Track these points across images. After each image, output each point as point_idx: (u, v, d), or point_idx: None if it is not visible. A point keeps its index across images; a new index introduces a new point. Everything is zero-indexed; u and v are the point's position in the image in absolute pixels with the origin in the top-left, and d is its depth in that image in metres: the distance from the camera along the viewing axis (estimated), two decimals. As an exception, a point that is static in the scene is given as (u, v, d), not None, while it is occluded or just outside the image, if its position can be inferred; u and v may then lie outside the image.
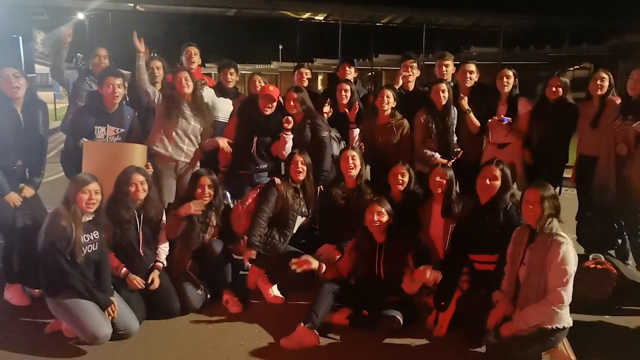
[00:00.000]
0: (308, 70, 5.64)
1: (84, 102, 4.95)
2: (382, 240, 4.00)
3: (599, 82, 4.74)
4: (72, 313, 3.48)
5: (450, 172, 4.28)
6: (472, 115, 4.97)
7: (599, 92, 4.73)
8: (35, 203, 4.34)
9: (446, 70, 5.31)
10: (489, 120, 4.91)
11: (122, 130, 4.49)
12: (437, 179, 4.24)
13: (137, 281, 3.91)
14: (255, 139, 4.95)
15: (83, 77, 5.25)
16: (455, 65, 5.46)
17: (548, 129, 4.81)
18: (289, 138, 4.89)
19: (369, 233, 4.03)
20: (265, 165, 5.04)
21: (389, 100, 4.98)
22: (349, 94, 5.18)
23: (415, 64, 5.41)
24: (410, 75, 5.37)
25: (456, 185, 4.43)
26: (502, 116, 4.86)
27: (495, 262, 3.68)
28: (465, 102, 4.99)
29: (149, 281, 3.97)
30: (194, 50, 5.50)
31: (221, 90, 5.51)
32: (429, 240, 4.29)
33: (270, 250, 4.39)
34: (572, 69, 24.51)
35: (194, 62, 5.38)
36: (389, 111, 5.01)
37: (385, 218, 3.95)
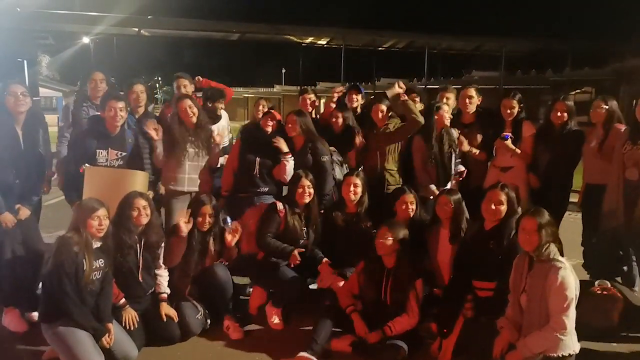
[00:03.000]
0: (312, 95, 5.66)
1: (83, 128, 4.90)
2: (392, 265, 3.95)
3: (597, 110, 4.71)
4: (66, 343, 3.41)
5: (456, 197, 4.24)
6: (474, 150, 4.99)
7: (599, 120, 4.70)
8: (29, 226, 4.29)
9: (447, 103, 5.30)
10: (495, 142, 4.90)
11: (123, 154, 4.48)
12: (443, 205, 4.21)
13: (132, 317, 3.84)
14: (258, 160, 4.94)
15: (80, 103, 5.19)
16: (457, 89, 5.46)
17: (554, 154, 4.79)
18: (290, 162, 4.88)
19: (378, 257, 3.98)
20: (267, 188, 5.01)
21: (384, 114, 5.03)
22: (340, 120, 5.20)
23: (418, 98, 5.44)
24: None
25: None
26: (504, 133, 4.85)
27: (494, 289, 3.64)
28: (465, 144, 5.00)
29: (160, 318, 3.96)
30: (185, 82, 5.56)
31: (210, 116, 5.46)
32: (435, 266, 4.24)
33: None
34: (573, 92, 24.60)
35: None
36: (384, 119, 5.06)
37: (395, 243, 3.90)
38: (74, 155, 4.49)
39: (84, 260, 3.46)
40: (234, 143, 5.34)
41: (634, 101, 4.64)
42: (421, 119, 4.89)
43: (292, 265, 4.40)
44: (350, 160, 5.22)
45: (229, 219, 4.64)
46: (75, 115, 5.09)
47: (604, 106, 4.69)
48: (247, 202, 4.94)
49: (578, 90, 25.56)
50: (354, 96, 5.62)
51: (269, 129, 4.98)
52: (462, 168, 5.00)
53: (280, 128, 5.05)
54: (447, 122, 4.93)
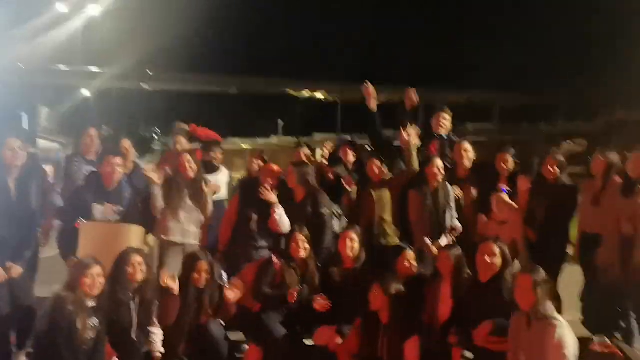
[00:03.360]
0: (306, 149, 5.72)
1: (77, 184, 4.92)
2: (387, 320, 3.91)
3: (597, 162, 4.78)
4: None
5: (456, 252, 4.25)
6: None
7: (599, 171, 4.76)
8: (20, 285, 4.22)
9: (443, 124, 5.34)
10: (493, 197, 4.93)
11: (120, 208, 4.48)
12: (444, 260, 4.22)
13: None
14: (255, 216, 4.94)
15: (71, 159, 5.21)
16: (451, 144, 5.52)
17: (549, 208, 4.82)
18: (278, 212, 4.85)
19: (374, 312, 3.94)
20: (265, 243, 4.98)
21: (378, 170, 5.10)
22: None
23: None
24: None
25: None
26: (502, 187, 4.89)
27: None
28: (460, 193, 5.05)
29: None
30: (182, 140, 5.66)
31: (208, 168, 5.56)
32: (435, 322, 4.19)
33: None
34: (566, 143, 24.92)
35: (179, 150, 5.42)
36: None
37: (387, 298, 3.88)
38: (70, 209, 4.49)
39: (77, 319, 3.41)
40: (232, 198, 5.33)
41: (625, 153, 4.72)
42: (415, 169, 4.98)
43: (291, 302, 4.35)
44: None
45: (224, 275, 4.60)
46: (66, 170, 5.13)
47: (602, 159, 4.76)
48: (245, 257, 4.90)
49: (570, 142, 25.90)
50: (348, 150, 5.68)
51: (268, 185, 4.94)
52: (457, 224, 5.00)
53: (281, 180, 5.05)
54: (439, 176, 4.96)
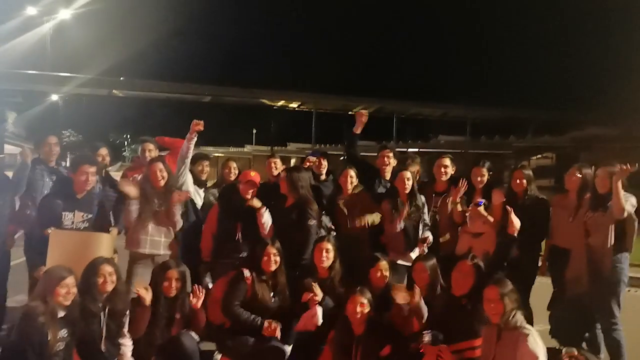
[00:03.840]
0: (277, 160, 5.70)
1: (41, 194, 4.79)
2: (361, 331, 3.89)
3: (573, 178, 4.78)
4: None
5: (431, 263, 4.28)
6: (458, 207, 5.03)
7: (573, 187, 4.78)
8: None
9: (388, 163, 5.44)
10: (469, 208, 4.98)
11: (89, 216, 4.42)
12: (420, 272, 4.24)
13: None
14: (239, 226, 4.90)
15: (34, 168, 4.98)
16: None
17: (520, 221, 4.89)
18: (264, 214, 4.84)
19: (348, 323, 3.92)
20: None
21: (352, 180, 5.10)
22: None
23: (391, 154, 5.54)
24: (387, 165, 5.45)
25: None
26: (478, 200, 4.94)
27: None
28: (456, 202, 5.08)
29: None
30: (151, 146, 5.56)
31: (195, 181, 5.51)
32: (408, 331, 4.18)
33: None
34: (535, 157, 25.48)
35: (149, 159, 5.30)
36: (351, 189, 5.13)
37: (367, 309, 3.87)
38: (39, 217, 4.39)
39: (48, 331, 3.34)
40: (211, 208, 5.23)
41: (593, 168, 4.81)
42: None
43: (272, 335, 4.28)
44: None
45: (210, 285, 4.52)
46: (29, 176, 4.96)
47: (579, 175, 4.81)
48: (231, 268, 4.77)
49: (539, 156, 26.51)
50: (322, 162, 5.64)
51: (249, 196, 4.88)
52: (428, 234, 5.04)
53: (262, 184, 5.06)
54: (407, 188, 5.01)
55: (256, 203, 4.84)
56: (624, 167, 4.36)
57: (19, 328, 3.30)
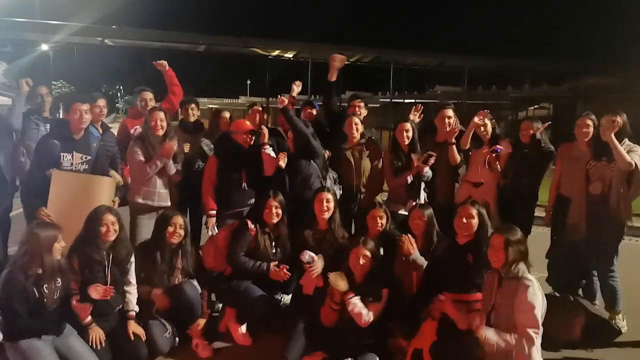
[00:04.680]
0: (260, 109, 5.64)
1: (31, 141, 4.84)
2: (362, 282, 3.92)
3: (584, 130, 4.68)
4: (25, 356, 3.37)
5: (428, 211, 4.31)
6: (454, 147, 5.00)
7: (586, 139, 4.69)
8: None
9: (359, 112, 5.39)
10: (485, 151, 4.92)
11: (88, 157, 4.38)
12: (416, 220, 4.28)
13: (98, 335, 3.72)
14: (244, 173, 4.88)
15: (28, 117, 5.05)
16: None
17: (522, 170, 4.88)
18: (267, 150, 4.89)
19: (350, 274, 3.93)
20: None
21: (358, 127, 5.13)
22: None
23: (362, 104, 5.51)
24: (358, 115, 5.35)
25: None
26: (496, 147, 4.87)
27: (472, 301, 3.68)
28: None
29: (128, 336, 3.83)
30: (149, 96, 5.50)
31: (184, 126, 5.51)
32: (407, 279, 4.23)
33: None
34: (532, 108, 25.35)
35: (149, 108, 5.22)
36: (358, 137, 5.16)
37: (369, 260, 3.88)
38: (37, 159, 4.33)
39: (43, 287, 3.45)
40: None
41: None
42: None
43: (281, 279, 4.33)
44: None
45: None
46: (23, 127, 4.98)
47: (590, 123, 4.70)
48: (239, 217, 4.82)
49: (536, 106, 26.36)
50: (309, 111, 5.63)
51: (247, 146, 4.90)
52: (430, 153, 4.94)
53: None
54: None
55: (262, 139, 4.90)
56: (614, 119, 4.32)
57: (2, 292, 3.38)
